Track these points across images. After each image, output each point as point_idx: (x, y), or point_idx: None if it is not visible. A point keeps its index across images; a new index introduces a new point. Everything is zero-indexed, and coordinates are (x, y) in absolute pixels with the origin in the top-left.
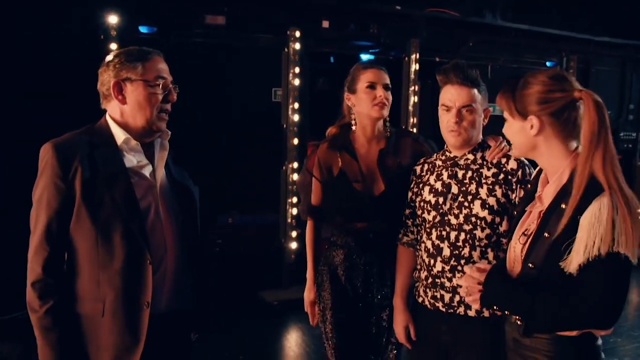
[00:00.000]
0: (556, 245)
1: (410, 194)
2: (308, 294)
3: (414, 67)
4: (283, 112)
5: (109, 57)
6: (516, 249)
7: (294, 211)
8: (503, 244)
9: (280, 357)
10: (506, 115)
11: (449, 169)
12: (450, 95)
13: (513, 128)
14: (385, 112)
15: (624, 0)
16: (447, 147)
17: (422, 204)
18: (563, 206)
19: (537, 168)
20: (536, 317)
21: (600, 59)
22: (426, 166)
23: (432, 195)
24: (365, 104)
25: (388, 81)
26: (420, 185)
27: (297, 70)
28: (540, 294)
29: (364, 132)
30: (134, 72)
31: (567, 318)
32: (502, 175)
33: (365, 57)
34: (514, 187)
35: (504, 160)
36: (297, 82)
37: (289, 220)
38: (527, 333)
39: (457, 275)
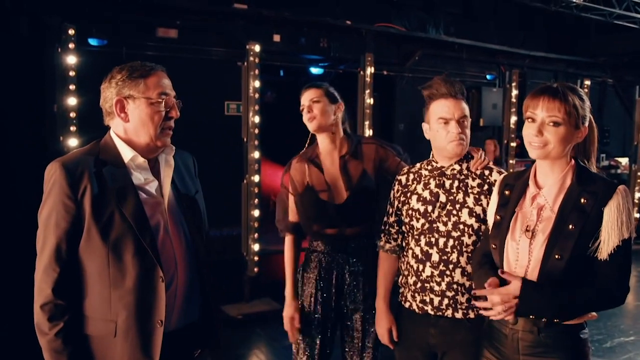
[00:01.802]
0: (583, 235)
1: (396, 202)
2: (288, 310)
3: (369, 80)
4: (243, 125)
5: (112, 73)
6: (521, 244)
7: (256, 224)
8: None
9: None
10: (561, 120)
11: (437, 178)
12: (447, 108)
13: (564, 133)
14: (314, 126)
15: (556, 17)
16: (433, 157)
17: (410, 212)
18: (584, 201)
19: (503, 176)
20: (575, 311)
21: (534, 72)
22: (412, 176)
23: (420, 203)
24: (305, 121)
25: (314, 95)
26: (408, 195)
27: (256, 84)
28: (576, 290)
29: (323, 144)
30: (136, 89)
31: (594, 303)
32: (486, 186)
33: (315, 70)
34: None
35: (487, 172)
36: (256, 95)
37: (251, 233)
38: (549, 326)
39: (446, 279)
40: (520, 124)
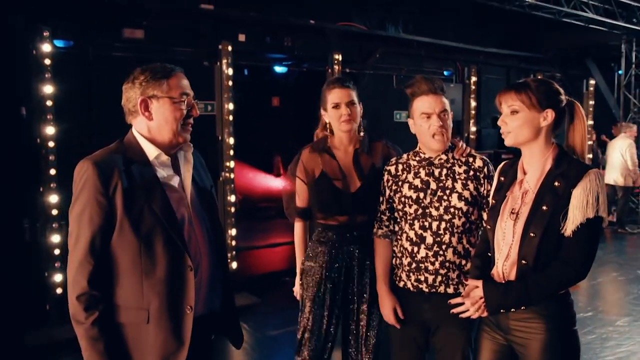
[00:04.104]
0: (555, 215)
1: (388, 191)
2: (299, 288)
3: None
4: (217, 124)
5: (134, 74)
6: (507, 225)
7: (233, 220)
8: (473, 230)
9: None
10: (518, 107)
11: (426, 167)
12: (428, 104)
13: (524, 118)
14: (352, 126)
15: (509, 15)
16: (420, 148)
17: (402, 199)
18: (557, 184)
19: (502, 163)
20: (532, 298)
21: (488, 68)
22: (400, 166)
23: (412, 191)
24: (334, 121)
25: (352, 97)
26: (400, 184)
27: (230, 83)
28: (529, 279)
29: (341, 140)
30: (160, 89)
31: (557, 281)
32: (471, 172)
33: (279, 69)
34: (481, 181)
35: (471, 159)
36: (230, 94)
37: (229, 229)
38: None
39: (439, 259)
40: (478, 117)
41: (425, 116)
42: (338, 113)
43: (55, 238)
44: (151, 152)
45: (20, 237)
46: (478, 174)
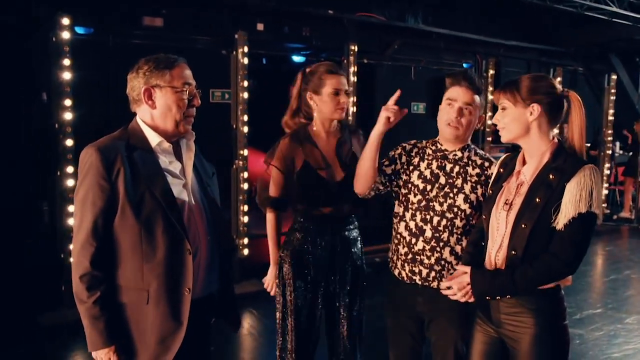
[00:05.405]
0: (547, 208)
1: (397, 159)
2: (272, 278)
3: (353, 69)
4: (232, 113)
5: (138, 64)
6: (501, 215)
7: (246, 208)
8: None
9: None
10: (506, 104)
11: (439, 160)
12: (457, 93)
13: (512, 114)
14: (341, 116)
15: (530, 8)
16: (439, 139)
17: (409, 185)
18: (551, 177)
19: (503, 157)
20: (519, 287)
21: (508, 61)
22: (416, 149)
23: (420, 180)
24: (328, 107)
25: (346, 85)
26: (410, 168)
27: (245, 72)
28: (517, 269)
29: (324, 128)
30: (163, 79)
31: (544, 273)
32: (483, 177)
33: (297, 58)
34: None
35: (486, 164)
36: (245, 84)
37: (241, 217)
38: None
39: (435, 255)
40: (495, 109)
41: (448, 102)
42: (336, 100)
43: (72, 221)
44: (154, 139)
45: (40, 219)
46: (489, 180)
